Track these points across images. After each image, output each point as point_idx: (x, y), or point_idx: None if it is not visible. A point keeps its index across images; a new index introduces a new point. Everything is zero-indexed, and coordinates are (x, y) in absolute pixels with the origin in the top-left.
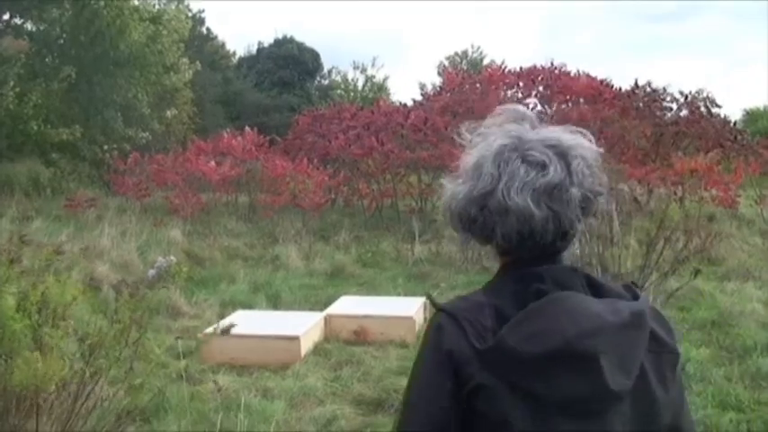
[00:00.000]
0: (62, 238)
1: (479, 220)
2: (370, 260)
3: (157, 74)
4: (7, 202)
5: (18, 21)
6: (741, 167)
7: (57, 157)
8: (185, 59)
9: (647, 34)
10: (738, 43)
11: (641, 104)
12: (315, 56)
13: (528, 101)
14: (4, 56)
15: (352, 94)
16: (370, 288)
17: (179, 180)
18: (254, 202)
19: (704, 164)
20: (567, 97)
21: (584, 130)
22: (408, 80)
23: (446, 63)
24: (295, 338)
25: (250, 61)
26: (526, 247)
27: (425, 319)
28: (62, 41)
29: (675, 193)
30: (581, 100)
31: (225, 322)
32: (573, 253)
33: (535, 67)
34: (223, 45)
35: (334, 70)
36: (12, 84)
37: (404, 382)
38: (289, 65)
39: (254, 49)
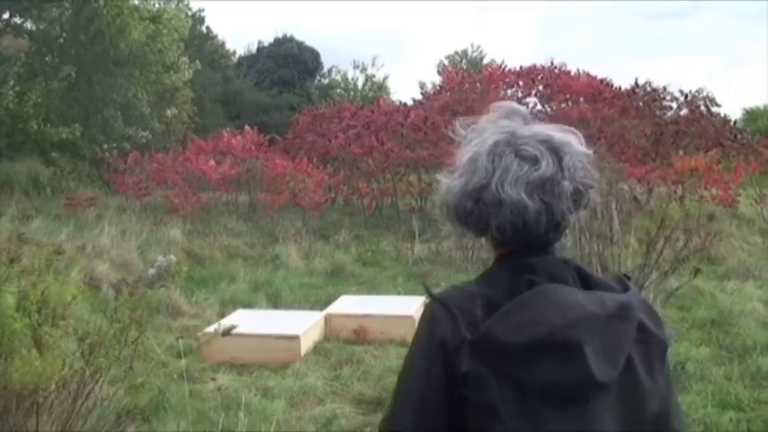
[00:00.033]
0: (62, 237)
1: (475, 212)
2: (370, 259)
3: (157, 73)
4: (7, 201)
5: (18, 20)
6: (741, 166)
7: (56, 157)
8: (185, 58)
9: (647, 33)
10: (738, 42)
11: (641, 104)
12: (315, 55)
13: (528, 100)
14: (3, 55)
15: (352, 93)
16: (370, 287)
17: (179, 179)
18: (254, 202)
19: (704, 163)
20: (567, 96)
21: (575, 130)
22: (408, 79)
23: (446, 62)
24: (295, 338)
25: (250, 60)
26: (520, 238)
27: None
28: (62, 40)
29: (675, 193)
30: (581, 99)
31: (225, 322)
32: (564, 245)
33: (535, 66)
34: (223, 44)
35: (334, 69)
36: (12, 83)
37: None
38: (289, 64)
39: (253, 48)
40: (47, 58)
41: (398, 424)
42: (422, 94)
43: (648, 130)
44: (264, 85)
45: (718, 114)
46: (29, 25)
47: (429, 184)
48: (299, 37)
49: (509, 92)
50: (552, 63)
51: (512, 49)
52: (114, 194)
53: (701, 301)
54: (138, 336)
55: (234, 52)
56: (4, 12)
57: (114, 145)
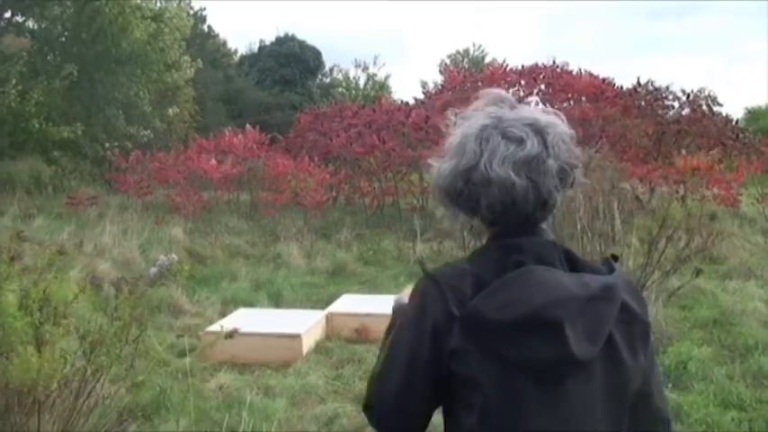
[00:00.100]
0: (63, 235)
1: (465, 192)
2: (371, 258)
3: (159, 72)
4: (9, 199)
5: (20, 19)
6: (743, 166)
7: (58, 155)
8: (187, 57)
9: (647, 33)
10: (738, 41)
11: (643, 103)
12: (316, 54)
13: (530, 99)
14: (5, 54)
15: (353, 92)
16: (371, 286)
17: (180, 178)
18: (255, 201)
19: (706, 162)
20: (569, 95)
21: (560, 113)
22: (409, 79)
23: (448, 61)
24: (296, 337)
25: (252, 59)
26: (509, 216)
27: None
28: (64, 39)
29: (677, 192)
30: (583, 98)
31: (227, 321)
32: (552, 226)
33: (537, 65)
34: (225, 43)
35: (335, 68)
36: (14, 81)
37: None
38: (290, 63)
39: (255, 47)
40: (49, 57)
41: (387, 384)
42: (423, 93)
43: (650, 130)
44: (266, 84)
45: (720, 114)
46: (31, 24)
47: (430, 183)
48: (300, 36)
49: (511, 91)
50: (554, 62)
51: (513, 49)
52: (116, 193)
53: (703, 300)
54: (139, 334)
55: (235, 51)
56: (6, 10)
57: (116, 144)
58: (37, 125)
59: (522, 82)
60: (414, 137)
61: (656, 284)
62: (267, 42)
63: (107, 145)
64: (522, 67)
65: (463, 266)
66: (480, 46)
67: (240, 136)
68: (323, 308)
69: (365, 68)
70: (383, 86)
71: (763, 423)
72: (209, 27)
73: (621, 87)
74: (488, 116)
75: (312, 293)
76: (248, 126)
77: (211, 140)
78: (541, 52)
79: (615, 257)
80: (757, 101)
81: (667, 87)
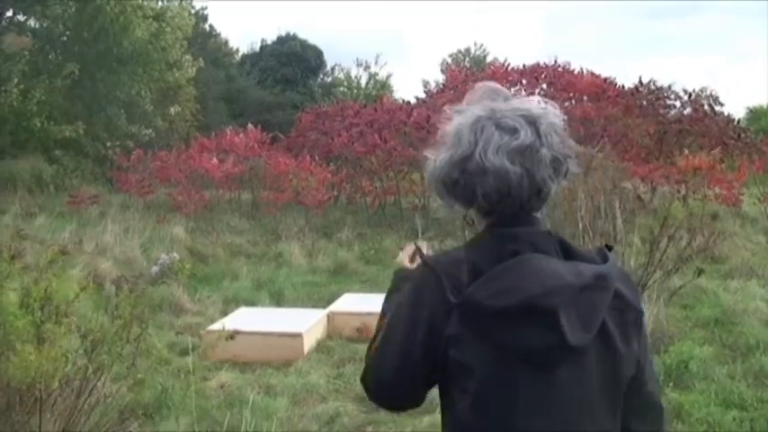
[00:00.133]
0: (65, 234)
1: (461, 182)
2: (372, 257)
3: (160, 71)
4: (10, 198)
5: (21, 17)
6: (744, 165)
7: (60, 154)
8: (188, 56)
9: (648, 32)
10: (738, 40)
11: (645, 102)
12: (318, 53)
13: (531, 98)
14: (7, 53)
15: (355, 91)
16: (372, 285)
17: (182, 177)
18: (256, 200)
19: (707, 162)
20: (571, 95)
21: (554, 103)
22: (410, 79)
23: (449, 61)
24: (298, 335)
25: (253, 58)
26: (505, 205)
27: None
28: (65, 38)
29: (679, 192)
30: (584, 98)
31: (228, 322)
32: (547, 217)
33: (539, 64)
34: (226, 42)
35: (337, 68)
36: (16, 80)
37: None
38: (292, 62)
39: (257, 47)
40: (50, 56)
41: (383, 364)
42: (425, 92)
43: (652, 129)
44: (267, 83)
45: (722, 113)
46: (32, 23)
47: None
48: (301, 35)
49: (512, 90)
50: (556, 61)
51: (515, 49)
52: (117, 192)
53: (705, 299)
54: (140, 333)
55: (237, 50)
56: (8, 9)
57: (117, 143)
58: (38, 124)
59: (524, 81)
60: (415, 136)
61: (657, 284)
62: (269, 41)
63: (108, 144)
64: (524, 66)
65: (460, 255)
66: (482, 45)
67: (242, 135)
68: (324, 307)
69: (367, 68)
70: (385, 86)
71: (765, 422)
72: (210, 26)
73: (623, 87)
74: (482, 108)
75: (313, 292)
76: (250, 125)
77: (213, 139)
78: (543, 52)
79: (609, 247)
80: (758, 100)
81: (669, 87)
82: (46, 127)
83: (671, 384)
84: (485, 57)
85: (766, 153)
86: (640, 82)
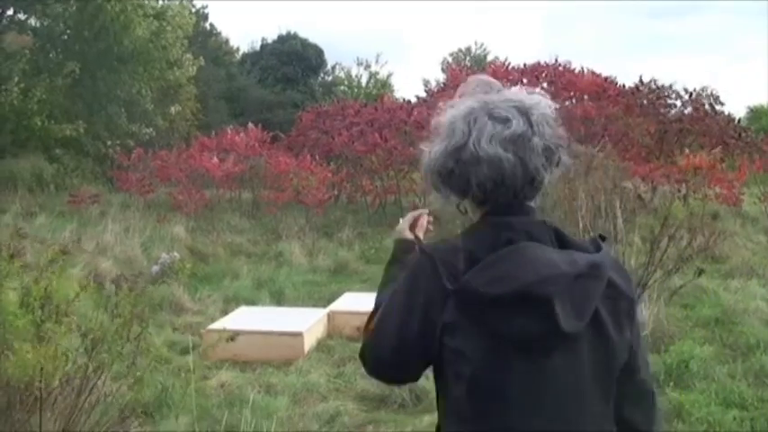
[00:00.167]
0: (65, 234)
1: (456, 172)
2: (373, 256)
3: (161, 69)
4: (11, 197)
5: (22, 16)
6: (745, 165)
7: (60, 153)
8: (189, 55)
9: (648, 32)
10: (738, 40)
11: (645, 101)
12: (318, 52)
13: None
14: (8, 51)
15: (355, 90)
16: (373, 284)
17: (182, 176)
18: (257, 199)
19: (708, 161)
20: (572, 94)
21: (545, 94)
22: (410, 79)
23: (450, 60)
24: (298, 335)
25: (254, 57)
26: (499, 194)
27: None
28: (66, 37)
29: (679, 191)
30: (585, 97)
31: (229, 321)
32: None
33: (539, 63)
34: (227, 41)
35: (337, 67)
36: (16, 79)
37: None
38: (292, 61)
39: (257, 45)
40: (51, 55)
41: (380, 345)
42: (426, 91)
43: (652, 129)
44: (268, 82)
45: (723, 113)
46: (33, 21)
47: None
48: (302, 34)
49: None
50: (556, 61)
51: (515, 48)
52: (118, 191)
53: (705, 299)
54: (140, 332)
55: (237, 49)
56: (8, 8)
57: (118, 142)
58: (39, 123)
59: (525, 80)
60: (416, 135)
61: (658, 283)
62: (269, 40)
63: (109, 143)
64: (525, 65)
65: (456, 243)
66: (482, 44)
67: (242, 134)
68: (324, 306)
69: (367, 67)
70: (385, 85)
71: (765, 422)
72: (211, 25)
73: (624, 86)
74: (475, 100)
75: (314, 292)
76: (250, 124)
77: (213, 138)
78: (543, 51)
79: (603, 237)
80: (758, 100)
81: (670, 86)
82: (46, 126)
83: (671, 384)
84: (485, 56)
85: (767, 152)
86: (641, 81)
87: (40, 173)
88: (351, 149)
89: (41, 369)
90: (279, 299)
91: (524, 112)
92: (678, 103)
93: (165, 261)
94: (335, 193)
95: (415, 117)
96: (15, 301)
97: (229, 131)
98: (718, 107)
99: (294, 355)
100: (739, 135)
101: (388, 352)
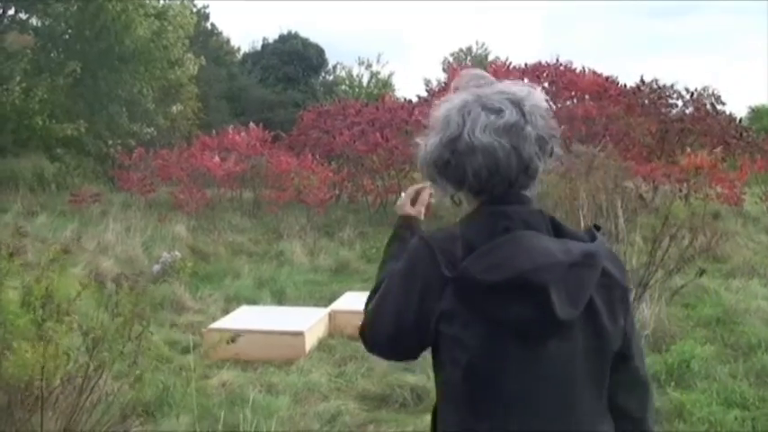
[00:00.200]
0: (66, 233)
1: (452, 162)
2: (374, 256)
3: (162, 69)
4: (12, 197)
5: (23, 16)
6: (746, 165)
7: (61, 153)
8: (190, 55)
9: (648, 32)
10: (739, 40)
11: (647, 101)
12: (319, 51)
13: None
14: (9, 51)
15: (356, 90)
16: (374, 284)
17: (184, 175)
18: (258, 198)
19: (709, 161)
20: (573, 94)
21: (536, 86)
22: (411, 79)
23: (451, 59)
24: (299, 334)
25: (255, 57)
26: (495, 182)
27: None
28: (67, 37)
29: (681, 191)
30: (586, 96)
31: (230, 320)
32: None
33: (540, 63)
34: (228, 41)
35: (338, 66)
36: (18, 79)
37: (408, 378)
38: (293, 60)
39: (258, 45)
40: (52, 54)
41: (379, 327)
42: (427, 91)
43: (654, 128)
44: (269, 81)
45: (724, 112)
46: (34, 21)
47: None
48: (303, 34)
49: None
50: (558, 60)
51: (516, 48)
52: (119, 191)
53: (706, 299)
54: (141, 331)
55: (239, 49)
56: (10, 8)
57: (119, 141)
58: (40, 122)
59: (526, 80)
60: (417, 135)
61: (659, 283)
62: (270, 40)
63: (110, 142)
64: (526, 65)
65: (454, 231)
66: (483, 44)
67: (243, 133)
68: (326, 305)
69: (368, 66)
70: (386, 84)
71: (766, 421)
72: (212, 24)
73: (625, 86)
74: (469, 93)
75: (315, 291)
76: (251, 124)
77: (214, 138)
78: (544, 51)
79: (597, 227)
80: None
81: (671, 86)
82: (48, 125)
83: (672, 384)
84: (486, 55)
85: None
86: (642, 81)
87: (42, 172)
88: (352, 149)
89: (43, 368)
90: (280, 298)
91: (516, 104)
92: (679, 102)
93: (167, 260)
94: (337, 192)
95: (416, 117)
96: (16, 300)
97: (230, 131)
98: (719, 107)
99: (295, 354)
100: (740, 135)
101: (385, 338)
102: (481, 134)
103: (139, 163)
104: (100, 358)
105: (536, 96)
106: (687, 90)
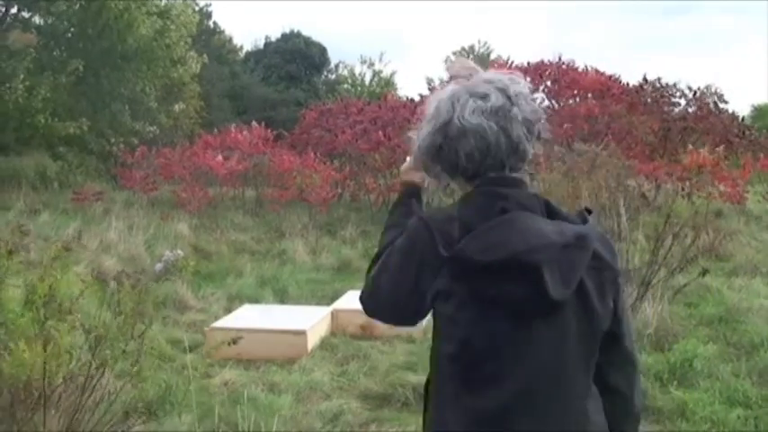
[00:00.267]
0: (69, 231)
1: (444, 147)
2: None
3: (165, 68)
4: (15, 195)
5: (26, 14)
6: (749, 163)
7: (64, 151)
8: (192, 53)
9: (648, 31)
10: (742, 39)
11: (649, 100)
12: (322, 50)
13: (535, 95)
14: (12, 50)
15: (359, 88)
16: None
17: (186, 174)
18: (260, 197)
19: (711, 159)
20: (575, 92)
21: (520, 75)
22: (413, 78)
23: (453, 58)
24: (302, 333)
25: (257, 55)
26: (487, 165)
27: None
28: (70, 35)
29: (683, 189)
30: (589, 95)
31: (232, 319)
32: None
33: (543, 62)
34: (230, 39)
35: (341, 65)
36: (21, 77)
37: (410, 377)
38: (296, 59)
39: (261, 44)
40: (55, 53)
41: (378, 298)
42: (429, 89)
43: (656, 127)
44: (271, 80)
45: (726, 111)
46: (37, 20)
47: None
48: (305, 33)
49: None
50: (560, 59)
51: (518, 47)
52: (121, 189)
53: (709, 297)
54: (144, 329)
55: (241, 47)
56: (12, 6)
57: (122, 139)
58: (43, 120)
59: (528, 78)
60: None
61: (661, 282)
62: (273, 39)
63: (113, 140)
64: (528, 63)
65: (451, 212)
66: (486, 43)
67: (246, 132)
68: (328, 304)
69: (371, 65)
70: (389, 83)
71: None
72: (214, 23)
73: (627, 84)
74: (456, 83)
75: (317, 290)
76: (254, 122)
77: (217, 136)
78: (547, 50)
79: (589, 211)
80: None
81: (674, 84)
82: (50, 123)
83: (675, 382)
84: (489, 54)
85: None
86: (645, 79)
87: (44, 170)
88: (354, 147)
89: (45, 367)
90: (282, 297)
91: (502, 90)
92: (682, 101)
93: (169, 259)
94: (339, 191)
95: (418, 115)
96: (17, 298)
97: (233, 129)
98: (721, 105)
99: (297, 353)
100: (743, 133)
101: (382, 308)
102: (470, 117)
103: (142, 161)
104: (102, 357)
105: (520, 83)
106: (690, 88)
